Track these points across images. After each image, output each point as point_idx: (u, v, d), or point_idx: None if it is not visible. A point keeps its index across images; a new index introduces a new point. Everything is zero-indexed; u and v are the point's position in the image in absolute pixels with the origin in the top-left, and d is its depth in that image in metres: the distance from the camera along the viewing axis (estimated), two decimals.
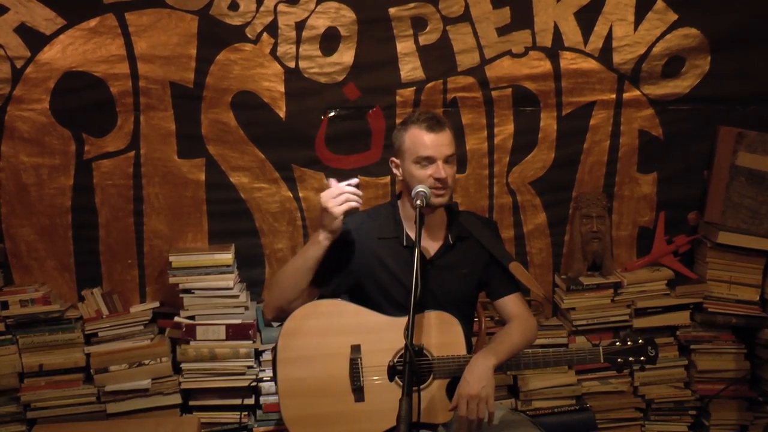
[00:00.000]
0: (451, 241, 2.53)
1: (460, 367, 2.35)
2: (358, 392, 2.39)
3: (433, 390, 2.39)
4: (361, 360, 2.39)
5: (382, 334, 2.41)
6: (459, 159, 3.32)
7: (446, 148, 2.42)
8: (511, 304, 2.55)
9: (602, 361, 2.49)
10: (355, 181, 2.41)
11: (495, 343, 2.42)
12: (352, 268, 2.50)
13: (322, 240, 2.40)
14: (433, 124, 2.42)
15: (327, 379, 2.39)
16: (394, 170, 2.52)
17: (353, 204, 2.38)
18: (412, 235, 2.50)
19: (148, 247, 3.28)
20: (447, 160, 2.42)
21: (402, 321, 2.38)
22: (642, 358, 2.49)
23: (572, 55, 3.30)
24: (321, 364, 2.40)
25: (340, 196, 2.36)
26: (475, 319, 2.84)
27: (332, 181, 2.42)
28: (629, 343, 2.49)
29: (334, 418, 2.38)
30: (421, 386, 2.35)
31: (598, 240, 3.37)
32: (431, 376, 2.39)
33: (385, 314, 2.46)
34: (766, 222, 3.31)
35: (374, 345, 2.41)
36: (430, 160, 2.40)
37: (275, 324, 2.97)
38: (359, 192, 2.40)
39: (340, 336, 2.42)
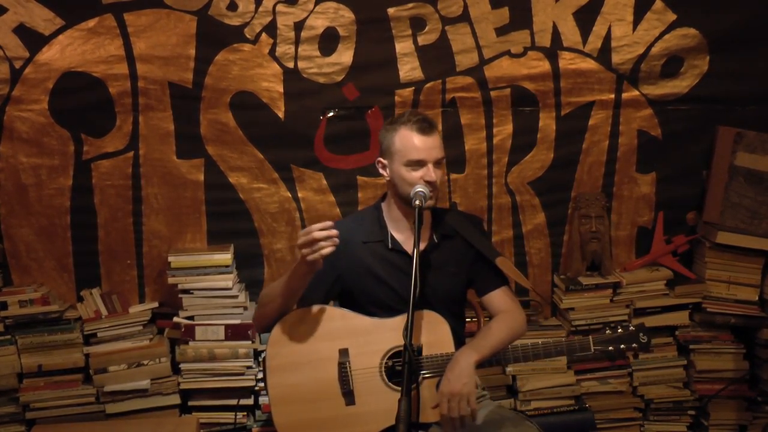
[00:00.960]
0: (436, 240, 2.52)
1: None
2: (349, 396, 2.39)
3: (423, 389, 2.38)
4: (349, 363, 2.39)
5: (369, 337, 2.42)
6: (458, 159, 3.34)
7: (437, 151, 2.41)
8: (497, 298, 2.53)
9: (592, 350, 2.45)
10: (329, 224, 2.27)
11: (477, 339, 2.41)
12: (339, 276, 2.49)
13: (304, 274, 2.33)
14: (425, 127, 2.40)
15: (317, 384, 2.39)
16: (381, 170, 2.49)
17: (326, 253, 2.25)
18: (398, 237, 2.50)
19: (147, 247, 3.28)
20: (437, 163, 2.42)
21: (388, 322, 2.39)
22: (634, 345, 2.44)
23: (571, 55, 3.30)
24: (310, 370, 2.40)
25: (313, 245, 2.24)
26: (475, 319, 2.85)
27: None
28: (620, 330, 2.45)
29: (327, 423, 2.38)
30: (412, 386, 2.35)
31: (597, 240, 3.37)
32: (421, 376, 2.39)
33: (372, 317, 2.46)
34: (765, 222, 3.31)
35: (362, 348, 2.41)
36: (421, 164, 2.40)
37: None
38: (333, 234, 2.25)
39: (327, 341, 2.42)
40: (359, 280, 2.48)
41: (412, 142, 2.39)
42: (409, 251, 2.45)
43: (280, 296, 2.41)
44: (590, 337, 2.46)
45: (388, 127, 2.47)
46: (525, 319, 2.54)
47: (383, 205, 2.56)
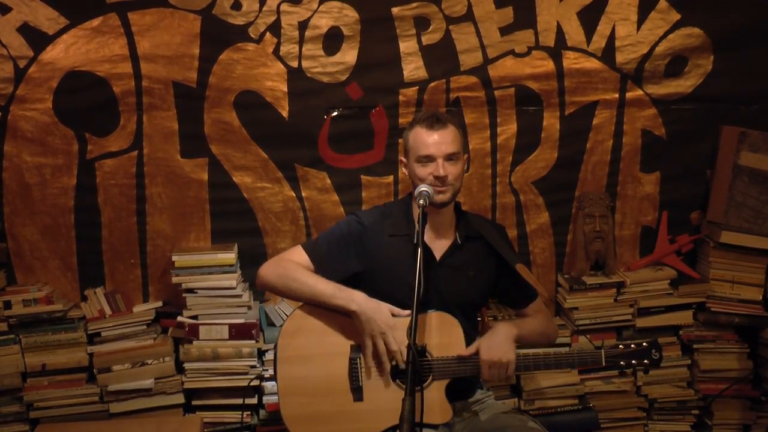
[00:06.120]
0: (460, 241, 2.53)
1: (460, 368, 2.35)
2: (357, 392, 2.40)
3: (432, 391, 2.39)
4: (360, 359, 2.40)
5: None
6: None
7: (447, 146, 2.43)
8: (532, 311, 2.63)
9: (604, 364, 2.47)
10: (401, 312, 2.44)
11: (517, 321, 2.50)
12: (359, 266, 2.50)
13: (350, 308, 2.41)
14: (433, 122, 2.44)
15: (327, 378, 2.40)
16: (403, 169, 2.57)
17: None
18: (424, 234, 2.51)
19: (151, 246, 3.28)
20: (449, 158, 2.43)
21: (401, 321, 2.38)
22: (646, 361, 2.45)
23: (575, 55, 3.30)
24: (321, 363, 2.41)
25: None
26: (477, 319, 2.85)
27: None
28: (632, 346, 2.45)
29: (334, 417, 2.39)
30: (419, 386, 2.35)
31: (601, 239, 3.36)
32: (430, 377, 2.40)
33: None
34: None
35: None
36: (430, 159, 2.41)
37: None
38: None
39: (340, 335, 2.43)
40: (379, 272, 2.50)
41: (422, 139, 2.43)
42: (434, 248, 2.49)
43: (308, 292, 2.46)
44: (602, 351, 2.46)
45: (407, 127, 2.55)
46: (557, 329, 2.60)
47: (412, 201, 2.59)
